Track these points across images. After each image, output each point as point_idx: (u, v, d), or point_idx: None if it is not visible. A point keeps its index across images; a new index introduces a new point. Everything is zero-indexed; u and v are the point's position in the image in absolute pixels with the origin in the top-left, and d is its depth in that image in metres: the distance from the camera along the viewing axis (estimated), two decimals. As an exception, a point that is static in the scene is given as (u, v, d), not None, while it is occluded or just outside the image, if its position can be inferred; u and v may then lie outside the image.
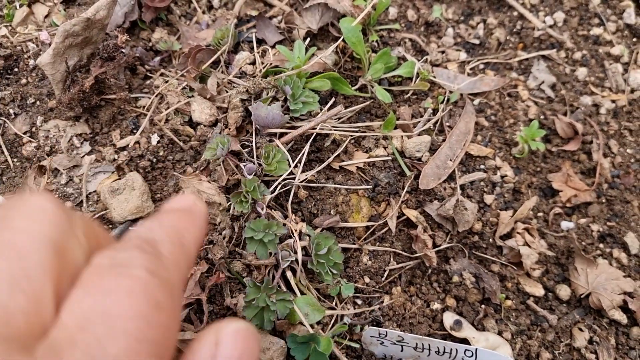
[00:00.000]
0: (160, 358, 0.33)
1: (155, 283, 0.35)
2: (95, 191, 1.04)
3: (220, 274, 0.95)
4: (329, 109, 1.04)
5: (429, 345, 0.91)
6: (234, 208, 0.97)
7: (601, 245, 1.15)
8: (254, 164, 0.98)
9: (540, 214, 1.15)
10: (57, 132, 1.07)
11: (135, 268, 0.35)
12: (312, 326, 0.92)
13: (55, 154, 1.05)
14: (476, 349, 0.90)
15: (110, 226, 1.01)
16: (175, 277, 0.38)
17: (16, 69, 1.14)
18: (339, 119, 1.08)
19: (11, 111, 1.10)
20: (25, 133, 1.08)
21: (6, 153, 1.06)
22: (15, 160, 1.07)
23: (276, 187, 0.97)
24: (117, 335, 0.31)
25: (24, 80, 1.13)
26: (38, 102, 1.11)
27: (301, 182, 1.00)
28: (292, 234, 0.96)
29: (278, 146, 0.99)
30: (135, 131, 1.07)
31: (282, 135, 1.01)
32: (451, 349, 0.91)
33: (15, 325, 0.30)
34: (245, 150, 1.01)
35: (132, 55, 1.07)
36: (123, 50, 1.05)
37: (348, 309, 0.98)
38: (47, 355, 0.30)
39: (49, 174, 1.03)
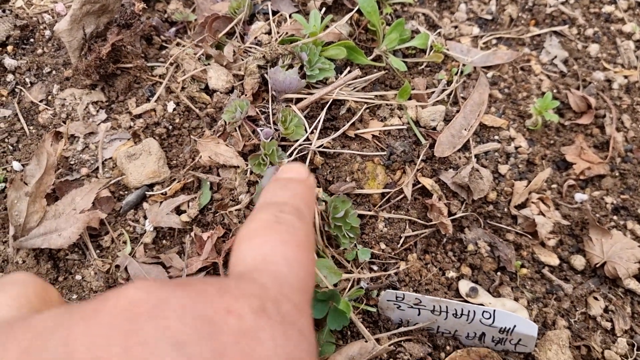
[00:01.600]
0: (311, 289, 0.49)
1: (310, 240, 0.52)
2: (111, 158, 1.04)
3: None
4: (345, 76, 1.05)
5: (447, 307, 0.91)
6: (251, 172, 0.97)
7: (615, 218, 1.15)
8: (270, 128, 0.98)
9: (554, 186, 1.15)
10: (73, 100, 1.07)
11: (298, 228, 0.51)
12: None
13: (72, 122, 1.06)
14: (494, 310, 0.89)
15: (126, 192, 1.02)
16: (313, 235, 0.56)
17: (32, 40, 1.15)
18: (354, 88, 1.09)
19: (27, 80, 1.10)
20: (41, 101, 1.08)
21: (22, 121, 1.07)
22: (31, 127, 1.07)
23: (293, 151, 0.98)
24: (294, 268, 0.46)
25: (39, 51, 1.13)
26: (54, 72, 1.11)
27: (317, 147, 1.00)
28: (309, 197, 0.96)
29: (294, 111, 0.99)
30: (150, 99, 1.07)
31: (298, 101, 1.01)
32: (469, 311, 0.90)
33: None
34: (262, 116, 1.01)
35: (148, 24, 1.08)
36: (140, 17, 1.05)
37: (364, 274, 0.98)
38: (238, 279, 0.43)
39: (65, 141, 1.03)
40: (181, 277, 0.94)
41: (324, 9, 1.18)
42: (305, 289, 0.47)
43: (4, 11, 1.18)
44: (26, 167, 0.96)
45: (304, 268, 0.48)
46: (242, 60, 1.06)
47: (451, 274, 1.03)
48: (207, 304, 0.37)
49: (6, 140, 1.06)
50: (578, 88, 1.25)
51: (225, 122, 0.99)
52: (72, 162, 1.03)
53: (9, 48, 1.13)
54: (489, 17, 1.31)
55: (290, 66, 1.04)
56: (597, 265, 1.07)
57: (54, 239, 0.93)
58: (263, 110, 1.03)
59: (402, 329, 0.95)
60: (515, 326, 0.90)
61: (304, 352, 0.41)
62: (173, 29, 1.14)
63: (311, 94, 1.03)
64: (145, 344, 0.33)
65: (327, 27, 1.11)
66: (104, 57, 1.03)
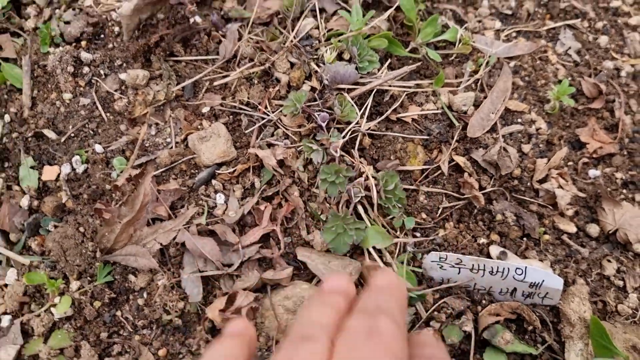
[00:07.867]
0: None
1: (399, 348, 0.51)
2: (183, 141, 1.17)
3: (289, 205, 1.09)
4: (389, 69, 1.19)
5: (484, 265, 1.05)
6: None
7: (624, 191, 1.29)
8: (327, 113, 1.12)
9: (570, 163, 1.29)
10: (140, 82, 1.20)
11: (387, 343, 0.51)
12: (380, 251, 1.07)
13: (146, 107, 1.19)
14: (526, 267, 1.04)
15: (197, 170, 1.15)
16: (404, 343, 0.55)
17: (103, 35, 1.27)
18: (395, 77, 1.22)
19: (102, 72, 1.23)
20: (115, 90, 1.21)
21: (100, 108, 1.20)
22: (108, 114, 1.20)
23: (347, 132, 1.11)
24: None
25: (110, 45, 1.26)
26: (125, 65, 1.24)
27: (366, 130, 1.14)
28: (362, 174, 1.10)
29: (347, 98, 1.13)
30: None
31: (349, 90, 1.15)
32: (503, 268, 1.05)
33: None
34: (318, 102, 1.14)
35: (195, 26, 1.23)
36: (189, 20, 1.20)
37: (410, 239, 1.12)
38: None
39: (145, 129, 1.17)
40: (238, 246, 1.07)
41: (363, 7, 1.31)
42: None
43: (74, 9, 1.30)
44: (122, 208, 1.08)
45: None
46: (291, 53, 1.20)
47: (482, 240, 1.17)
48: None
49: (87, 125, 1.19)
50: (590, 76, 1.39)
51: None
52: (147, 145, 1.17)
53: (83, 43, 1.25)
54: (509, 12, 1.45)
55: (340, 58, 1.17)
56: (610, 232, 1.21)
57: (131, 261, 1.06)
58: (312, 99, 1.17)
59: (444, 285, 1.09)
60: (543, 281, 1.04)
61: None
62: (231, 24, 1.27)
63: (360, 83, 1.16)
64: None
65: (370, 19, 1.24)
66: (151, 45, 1.18)
